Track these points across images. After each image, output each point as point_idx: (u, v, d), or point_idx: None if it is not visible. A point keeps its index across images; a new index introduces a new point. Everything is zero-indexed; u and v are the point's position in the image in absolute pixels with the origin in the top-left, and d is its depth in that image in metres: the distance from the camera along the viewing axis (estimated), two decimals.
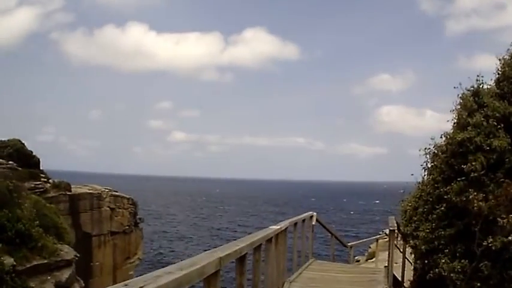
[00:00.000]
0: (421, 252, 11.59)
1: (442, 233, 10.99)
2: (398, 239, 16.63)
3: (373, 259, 25.00)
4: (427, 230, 11.22)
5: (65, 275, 17.45)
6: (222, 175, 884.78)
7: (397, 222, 13.52)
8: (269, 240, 8.75)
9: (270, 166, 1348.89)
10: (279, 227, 9.92)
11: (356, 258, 30.22)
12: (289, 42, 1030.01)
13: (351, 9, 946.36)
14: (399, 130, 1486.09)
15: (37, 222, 18.31)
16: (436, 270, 10.71)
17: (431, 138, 12.09)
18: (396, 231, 14.20)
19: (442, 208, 11.04)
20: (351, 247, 20.65)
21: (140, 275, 4.29)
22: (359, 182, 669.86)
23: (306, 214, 15.22)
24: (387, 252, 21.91)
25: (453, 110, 12.05)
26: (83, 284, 19.34)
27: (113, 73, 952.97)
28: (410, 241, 12.17)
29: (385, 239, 23.72)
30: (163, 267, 4.62)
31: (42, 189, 36.37)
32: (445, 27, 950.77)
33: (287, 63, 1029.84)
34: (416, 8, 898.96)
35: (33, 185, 35.28)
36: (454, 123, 11.95)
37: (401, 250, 14.44)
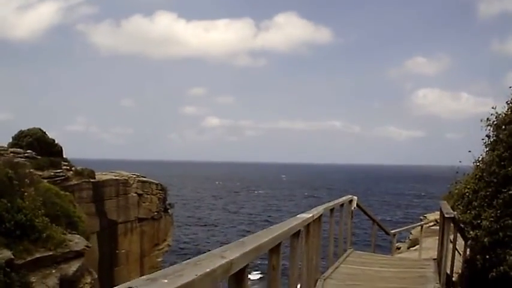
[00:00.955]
0: (482, 246, 9.02)
1: (510, 222, 8.63)
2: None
3: (416, 247, 22.62)
4: (491, 219, 8.74)
5: (72, 267, 15.71)
6: (258, 159, 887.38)
7: (440, 208, 11.24)
8: (295, 235, 6.50)
9: (307, 150, 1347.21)
10: (310, 215, 7.47)
11: (396, 245, 27.88)
12: (322, 26, 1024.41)
13: None
14: (436, 113, 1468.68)
15: (42, 211, 16.68)
16: (501, 268, 8.44)
17: (493, 108, 9.86)
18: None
19: (510, 191, 8.57)
20: (394, 235, 18.56)
21: (171, 263, 2.79)
22: (396, 166, 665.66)
23: (345, 198, 12.78)
24: (431, 240, 19.85)
25: None
26: (96, 276, 17.61)
27: (143, 61, 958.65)
28: (471, 232, 9.45)
29: (431, 226, 21.68)
30: (190, 255, 3.29)
31: (62, 177, 35.18)
32: (478, 10, 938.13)
33: (320, 47, 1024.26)
34: None
35: (52, 173, 34.23)
36: None
37: (451, 240, 11.94)
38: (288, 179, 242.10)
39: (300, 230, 6.66)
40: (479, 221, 8.87)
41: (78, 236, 17.37)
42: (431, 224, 21.54)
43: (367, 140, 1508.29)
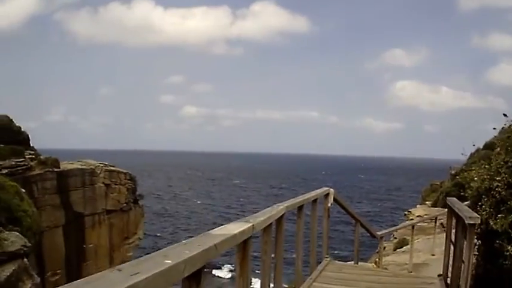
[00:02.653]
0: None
1: None
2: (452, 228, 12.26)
3: (404, 248, 20.97)
4: None
5: (5, 271, 13.39)
6: (234, 149, 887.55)
7: (450, 207, 8.64)
8: (242, 246, 4.32)
9: (283, 140, 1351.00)
10: (247, 225, 4.50)
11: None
12: (299, 15, 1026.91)
13: None
14: (414, 105, 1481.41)
15: None
16: None
17: None
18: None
19: None
20: (381, 237, 14.71)
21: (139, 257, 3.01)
22: (374, 157, 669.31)
23: (319, 191, 9.45)
24: (420, 241, 17.85)
25: None
26: (38, 280, 15.26)
27: (121, 50, 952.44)
28: (508, 247, 6.72)
29: (418, 223, 19.66)
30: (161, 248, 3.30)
31: (24, 167, 33.21)
32: (458, 3, 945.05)
33: (297, 36, 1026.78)
34: None
35: (14, 163, 32.50)
36: None
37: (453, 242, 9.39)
38: (265, 169, 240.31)
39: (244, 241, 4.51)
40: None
41: (17, 233, 15.06)
42: (418, 221, 19.23)
43: (344, 131, 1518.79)
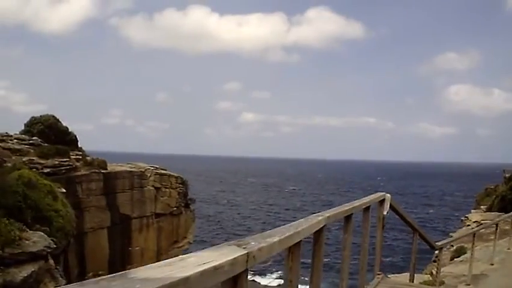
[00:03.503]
0: None
1: None
2: None
3: (461, 258, 19.15)
4: None
5: (22, 272, 12.24)
6: (292, 155, 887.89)
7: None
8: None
9: (341, 146, 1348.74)
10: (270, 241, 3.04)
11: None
12: (353, 21, 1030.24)
13: None
14: (468, 109, 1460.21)
15: None
16: None
17: None
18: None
19: None
20: (440, 248, 12.61)
21: None
22: (429, 162, 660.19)
23: (373, 197, 7.76)
24: (478, 249, 16.03)
25: None
26: (63, 282, 14.10)
27: (177, 56, 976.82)
28: None
29: (475, 228, 17.89)
30: None
31: (68, 167, 32.64)
32: (508, 3, 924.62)
33: (352, 42, 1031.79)
34: None
35: (57, 162, 31.95)
36: None
37: None
38: (322, 176, 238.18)
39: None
40: None
41: (41, 234, 14.01)
42: (479, 228, 17.02)
43: (400, 137, 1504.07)
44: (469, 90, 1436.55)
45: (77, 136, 38.34)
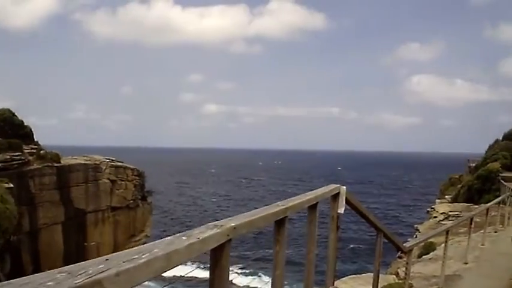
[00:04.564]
0: None
1: None
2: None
3: (430, 255, 16.78)
4: None
5: None
6: (255, 146, 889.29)
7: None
8: None
9: (304, 136, 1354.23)
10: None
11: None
12: (316, 12, 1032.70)
13: None
14: (430, 99, 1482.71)
15: None
16: None
17: None
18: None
19: None
20: (409, 250, 9.91)
21: None
22: (392, 152, 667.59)
23: (321, 191, 5.57)
24: (448, 244, 12.93)
25: None
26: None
27: (140, 49, 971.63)
28: None
29: (441, 220, 17.56)
30: None
31: (21, 161, 32.09)
32: None
33: (315, 32, 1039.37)
34: None
35: (8, 157, 31.51)
36: None
37: None
38: (284, 166, 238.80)
39: None
40: None
41: None
42: (452, 224, 14.27)
43: (364, 127, 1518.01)
44: (432, 81, 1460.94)
45: (34, 130, 37.90)
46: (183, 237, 2.65)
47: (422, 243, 17.86)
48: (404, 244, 9.99)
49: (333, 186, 5.87)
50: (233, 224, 3.06)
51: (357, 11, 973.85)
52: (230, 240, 2.98)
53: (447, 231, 12.24)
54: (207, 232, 2.79)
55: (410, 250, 10.07)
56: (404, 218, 78.69)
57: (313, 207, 5.21)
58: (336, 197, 5.91)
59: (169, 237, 2.63)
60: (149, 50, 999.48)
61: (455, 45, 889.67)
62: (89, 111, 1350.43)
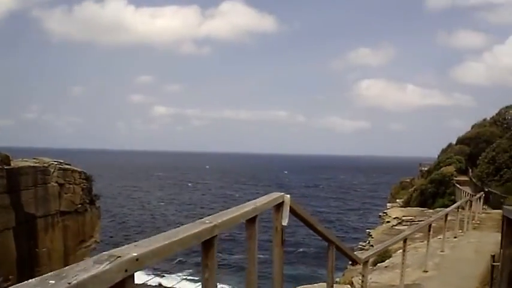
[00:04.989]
0: None
1: None
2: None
3: (386, 263, 15.63)
4: None
5: None
6: (203, 149, 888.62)
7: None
8: None
9: (251, 140, 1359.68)
10: None
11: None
12: (266, 14, 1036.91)
13: None
14: (380, 104, 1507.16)
15: None
16: None
17: None
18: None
19: None
20: (365, 262, 9.22)
21: None
22: (340, 156, 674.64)
23: (262, 200, 4.51)
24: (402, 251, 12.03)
25: None
26: None
27: (93, 48, 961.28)
28: None
29: (395, 225, 17.56)
30: None
31: None
32: (425, 2, 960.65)
33: (265, 35, 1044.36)
34: None
35: None
36: None
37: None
38: (233, 170, 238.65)
39: None
40: None
41: None
42: (411, 232, 12.76)
43: (312, 130, 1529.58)
44: (382, 86, 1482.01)
45: None
46: (50, 282, 1.90)
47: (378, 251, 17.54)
48: (358, 254, 9.67)
49: (275, 194, 4.95)
50: (135, 254, 2.25)
51: (308, 14, 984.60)
52: (132, 276, 2.19)
53: (405, 240, 11.41)
54: (92, 270, 1.98)
55: (367, 261, 9.36)
56: (353, 222, 79.30)
57: (251, 221, 4.20)
58: (279, 207, 5.01)
59: (33, 280, 1.94)
60: (102, 50, 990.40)
61: (408, 51, 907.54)
62: (43, 112, 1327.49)
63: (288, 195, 5.05)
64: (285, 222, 5.05)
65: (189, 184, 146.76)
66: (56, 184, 38.70)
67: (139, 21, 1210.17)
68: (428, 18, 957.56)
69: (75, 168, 41.75)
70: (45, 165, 38.57)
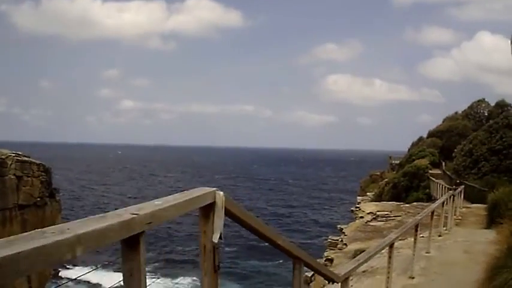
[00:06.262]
0: None
1: None
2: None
3: (363, 267, 10.12)
4: None
5: None
6: (171, 142, 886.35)
7: None
8: None
9: (219, 133, 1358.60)
10: None
11: (326, 255, 20.39)
12: (232, 9, 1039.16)
13: None
14: (347, 99, 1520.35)
15: None
16: None
17: None
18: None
19: None
20: (346, 278, 6.79)
21: None
22: (307, 150, 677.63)
23: (182, 197, 2.51)
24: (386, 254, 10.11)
25: None
26: None
27: (61, 42, 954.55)
28: None
29: (369, 221, 16.74)
30: None
31: None
32: None
33: (231, 30, 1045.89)
34: None
35: None
36: None
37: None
38: (199, 163, 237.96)
39: None
40: None
41: None
42: (396, 236, 10.30)
43: (279, 124, 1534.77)
44: (349, 81, 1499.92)
45: None
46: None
47: (352, 253, 16.32)
48: (335, 269, 7.20)
49: (200, 191, 2.77)
50: None
51: (274, 9, 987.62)
52: None
53: (391, 245, 9.27)
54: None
55: (347, 278, 6.92)
56: (320, 217, 76.45)
57: (132, 242, 2.01)
58: (208, 210, 2.82)
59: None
60: (70, 43, 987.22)
61: (375, 46, 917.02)
62: (10, 106, 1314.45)
63: (221, 193, 2.87)
64: (215, 239, 2.84)
65: (156, 177, 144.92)
66: (14, 177, 37.79)
67: (106, 16, 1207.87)
68: (396, 14, 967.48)
69: (34, 161, 40.71)
70: (3, 157, 37.68)
